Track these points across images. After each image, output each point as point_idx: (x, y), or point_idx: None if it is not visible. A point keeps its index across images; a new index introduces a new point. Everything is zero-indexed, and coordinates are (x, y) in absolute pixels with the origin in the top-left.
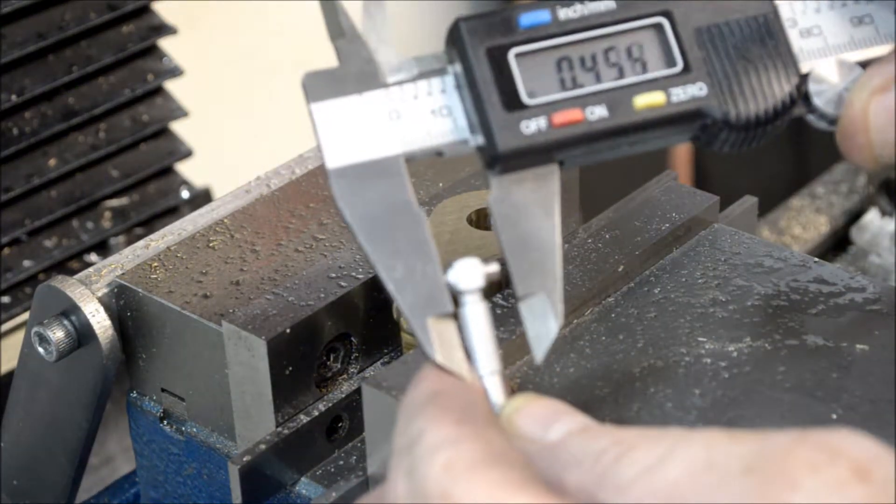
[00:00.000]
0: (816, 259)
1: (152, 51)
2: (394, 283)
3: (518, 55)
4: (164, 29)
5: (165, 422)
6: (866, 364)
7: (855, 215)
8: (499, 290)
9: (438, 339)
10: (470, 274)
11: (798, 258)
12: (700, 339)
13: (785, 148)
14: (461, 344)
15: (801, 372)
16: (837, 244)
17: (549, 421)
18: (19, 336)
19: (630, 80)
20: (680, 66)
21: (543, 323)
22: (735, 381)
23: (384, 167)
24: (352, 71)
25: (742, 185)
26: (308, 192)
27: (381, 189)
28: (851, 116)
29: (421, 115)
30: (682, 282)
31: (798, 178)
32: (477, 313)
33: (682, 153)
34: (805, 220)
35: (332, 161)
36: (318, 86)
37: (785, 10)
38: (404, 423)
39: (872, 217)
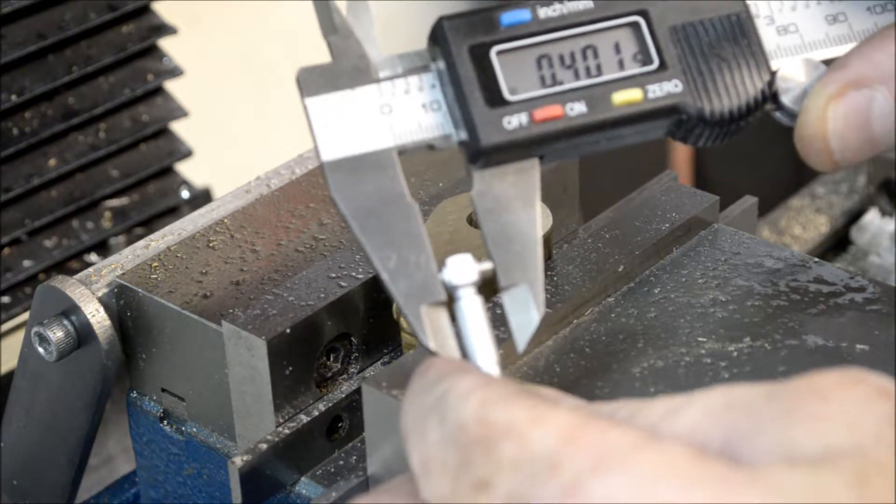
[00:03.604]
0: (816, 259)
1: (152, 51)
2: (388, 273)
3: (499, 53)
4: (164, 29)
5: (165, 422)
6: (866, 364)
7: (855, 215)
8: (496, 292)
9: (431, 326)
10: (463, 269)
11: (798, 258)
12: (700, 339)
13: (785, 148)
14: (453, 332)
15: (801, 372)
16: (837, 244)
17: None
18: (19, 336)
19: (608, 77)
20: (656, 63)
21: (525, 313)
22: (735, 381)
23: (377, 160)
24: (345, 66)
25: (742, 185)
26: (308, 192)
27: (375, 181)
28: (809, 122)
29: (412, 109)
30: (682, 282)
31: (798, 178)
32: (472, 307)
33: (682, 153)
34: (805, 220)
35: (327, 154)
36: (312, 80)
37: (762, 8)
38: (422, 397)
39: (872, 217)
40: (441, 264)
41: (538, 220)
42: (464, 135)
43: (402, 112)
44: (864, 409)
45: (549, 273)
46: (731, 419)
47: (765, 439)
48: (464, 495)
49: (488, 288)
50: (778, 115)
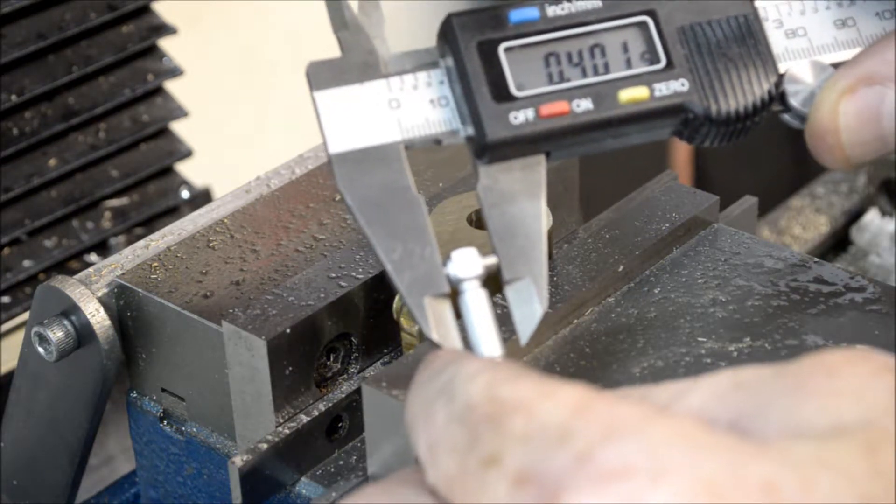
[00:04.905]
0: (816, 259)
1: (152, 51)
2: (392, 265)
3: (507, 49)
4: (164, 29)
5: (165, 422)
6: None
7: (855, 215)
8: (499, 290)
9: (434, 317)
10: (468, 262)
11: (798, 258)
12: (700, 339)
13: (785, 148)
14: (456, 323)
15: None
16: (837, 244)
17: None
18: (19, 336)
19: (615, 75)
20: (663, 62)
21: (529, 306)
22: None
23: (384, 153)
24: (354, 61)
25: (742, 185)
26: (308, 192)
27: (381, 174)
28: (821, 118)
29: (420, 104)
30: (682, 282)
31: (798, 178)
32: (476, 299)
33: (682, 153)
34: (805, 220)
35: (334, 146)
36: (322, 75)
37: (772, 12)
38: (429, 385)
39: (872, 217)
40: (446, 258)
41: (543, 215)
42: (471, 130)
43: (410, 107)
44: (872, 384)
45: (549, 273)
46: (738, 398)
47: (774, 416)
48: (472, 473)
49: (490, 286)
50: (786, 117)
